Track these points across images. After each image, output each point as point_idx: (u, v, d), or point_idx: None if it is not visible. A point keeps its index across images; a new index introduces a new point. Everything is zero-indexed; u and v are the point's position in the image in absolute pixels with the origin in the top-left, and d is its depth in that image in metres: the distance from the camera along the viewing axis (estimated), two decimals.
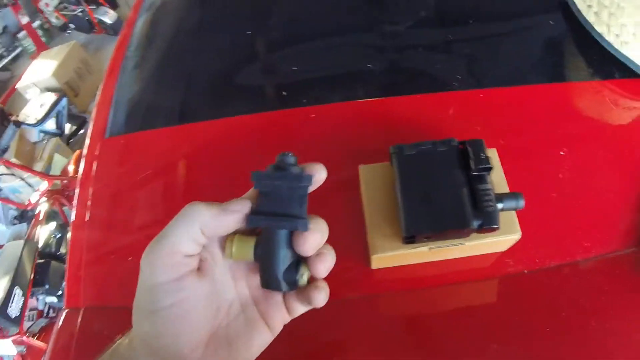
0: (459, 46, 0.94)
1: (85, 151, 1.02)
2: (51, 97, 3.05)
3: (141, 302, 0.39)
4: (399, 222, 0.60)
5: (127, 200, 0.91)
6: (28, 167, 2.52)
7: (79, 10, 4.43)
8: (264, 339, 0.45)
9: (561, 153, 0.77)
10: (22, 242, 2.05)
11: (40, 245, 2.19)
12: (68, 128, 3.52)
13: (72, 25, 4.59)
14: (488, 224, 0.57)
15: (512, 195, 0.59)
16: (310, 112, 0.89)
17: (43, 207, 2.40)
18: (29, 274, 1.98)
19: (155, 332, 0.39)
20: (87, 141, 1.03)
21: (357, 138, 0.84)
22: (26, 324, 2.07)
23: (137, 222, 0.87)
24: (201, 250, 0.41)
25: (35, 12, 4.74)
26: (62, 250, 2.27)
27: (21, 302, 1.88)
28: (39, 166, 3.04)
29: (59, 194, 2.52)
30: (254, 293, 0.45)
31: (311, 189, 0.41)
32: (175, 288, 0.38)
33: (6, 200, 2.71)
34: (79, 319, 0.77)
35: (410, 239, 0.59)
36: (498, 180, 0.66)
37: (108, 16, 4.30)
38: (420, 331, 0.68)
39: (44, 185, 2.49)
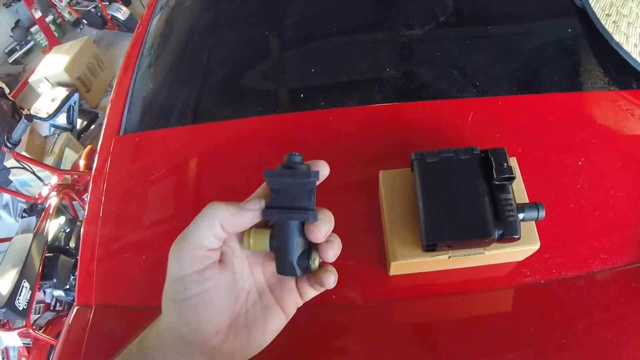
0: (478, 53, 0.94)
1: (99, 147, 1.02)
2: (63, 92, 3.07)
3: (170, 293, 0.44)
4: (420, 230, 0.60)
5: (141, 198, 0.91)
6: (39, 161, 2.53)
7: (92, 6, 4.45)
8: (279, 322, 0.50)
9: (579, 163, 0.77)
10: (31, 235, 2.06)
11: (49, 239, 2.20)
12: (79, 123, 3.54)
13: (84, 21, 4.62)
14: (509, 234, 0.56)
15: (533, 205, 0.58)
16: (328, 115, 0.89)
17: (53, 201, 2.41)
18: (38, 267, 1.99)
19: (182, 320, 0.44)
20: (101, 137, 1.04)
21: (375, 142, 0.84)
22: (33, 317, 2.08)
23: (150, 221, 0.87)
24: (222, 244, 0.45)
25: (48, 6, 4.78)
26: (71, 244, 2.27)
27: (29, 295, 1.90)
28: (49, 160, 3.06)
29: (69, 189, 2.53)
30: (269, 281, 0.50)
31: (318, 182, 0.46)
32: (200, 279, 0.43)
33: (16, 193, 2.73)
34: (90, 317, 0.78)
35: (431, 247, 0.59)
36: (518, 190, 0.66)
37: (121, 12, 4.31)
38: (436, 339, 0.68)
39: (54, 179, 2.49)
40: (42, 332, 2.05)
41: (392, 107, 0.88)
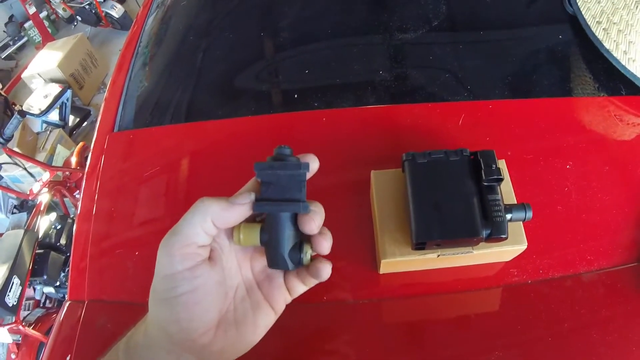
0: (470, 57, 0.95)
1: (93, 144, 1.02)
2: (56, 89, 3.05)
3: (159, 290, 0.43)
4: (409, 229, 0.61)
5: (134, 194, 0.91)
6: (31, 157, 2.52)
7: (86, 3, 4.43)
8: (268, 319, 0.50)
9: (567, 167, 0.78)
10: (21, 231, 2.06)
11: (40, 235, 2.19)
12: (71, 120, 3.53)
13: (78, 18, 4.60)
14: (497, 233, 0.58)
15: (521, 206, 0.60)
16: (321, 116, 0.90)
17: (44, 198, 2.40)
18: (28, 264, 1.99)
19: (172, 318, 0.43)
20: (95, 134, 1.04)
21: (368, 143, 0.85)
22: (22, 314, 2.07)
23: (143, 218, 0.88)
24: (212, 240, 0.45)
25: (42, 2, 4.75)
26: (62, 241, 2.27)
27: (19, 291, 1.89)
28: (41, 157, 3.05)
29: (61, 185, 2.53)
30: (257, 277, 0.50)
31: (308, 176, 0.46)
32: (190, 276, 0.42)
33: (7, 189, 2.71)
34: (82, 312, 0.78)
35: (420, 246, 0.60)
36: (506, 191, 0.67)
37: (115, 10, 4.30)
38: (424, 337, 0.68)
39: (46, 175, 2.48)
40: (32, 329, 2.04)
41: (384, 108, 0.89)
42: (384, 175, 0.71)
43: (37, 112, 2.89)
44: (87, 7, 4.43)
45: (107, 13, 4.37)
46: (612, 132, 0.83)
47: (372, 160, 0.77)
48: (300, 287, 0.49)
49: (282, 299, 0.50)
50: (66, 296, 0.83)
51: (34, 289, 2.32)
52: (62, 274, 2.18)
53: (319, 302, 0.71)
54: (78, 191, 2.55)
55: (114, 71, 1.20)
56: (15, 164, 2.55)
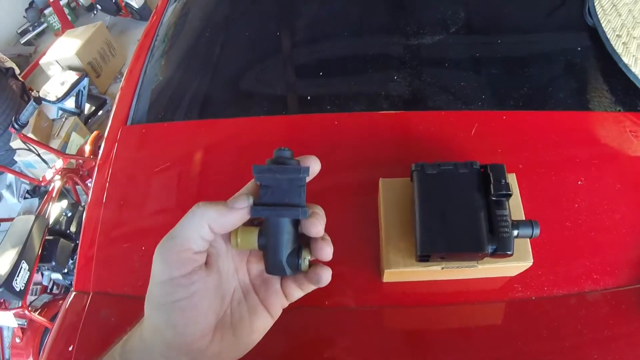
0: (486, 66, 0.95)
1: (105, 135, 1.03)
2: (73, 76, 3.07)
3: (155, 296, 0.43)
4: (415, 240, 0.61)
5: (144, 189, 0.92)
6: (45, 144, 2.53)
7: None
8: (265, 323, 0.49)
9: (579, 182, 0.77)
10: (32, 217, 2.07)
11: (50, 222, 2.21)
12: (87, 108, 3.55)
13: (98, 6, 4.62)
14: (502, 249, 0.57)
15: (528, 223, 0.59)
16: (333, 119, 0.90)
17: (56, 185, 2.42)
18: (37, 250, 2.00)
19: (168, 323, 0.42)
20: (109, 126, 1.05)
21: (378, 149, 0.85)
22: (29, 299, 2.09)
23: (152, 213, 0.89)
24: (208, 246, 0.44)
25: None
26: (72, 229, 2.28)
27: (27, 276, 1.91)
28: (55, 143, 3.07)
29: (74, 173, 2.54)
30: (254, 281, 0.50)
31: (308, 179, 0.44)
32: (187, 282, 0.42)
33: (20, 174, 2.74)
34: (87, 304, 0.79)
35: (424, 258, 0.60)
36: (515, 205, 0.66)
37: (135, 0, 4.32)
38: (424, 347, 0.69)
39: (59, 163, 2.50)
40: (38, 314, 2.06)
41: (397, 114, 0.89)
42: (392, 183, 0.71)
43: (53, 98, 2.92)
44: None
45: (127, 3, 4.38)
46: (627, 148, 0.82)
47: (382, 166, 0.77)
48: (297, 293, 0.49)
49: (279, 303, 0.49)
50: (72, 285, 0.84)
51: (42, 275, 2.34)
52: (71, 261, 2.19)
53: (322, 306, 0.71)
54: (90, 179, 2.56)
55: (130, 62, 1.21)
56: (29, 149, 2.56)
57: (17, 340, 2.09)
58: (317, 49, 1.06)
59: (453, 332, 0.69)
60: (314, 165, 0.45)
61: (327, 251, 0.45)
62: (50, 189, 2.43)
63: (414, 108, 0.90)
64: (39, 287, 2.39)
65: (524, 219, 0.62)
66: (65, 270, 2.17)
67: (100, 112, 3.70)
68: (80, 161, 2.64)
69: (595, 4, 0.94)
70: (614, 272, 0.71)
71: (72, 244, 2.22)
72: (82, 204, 2.51)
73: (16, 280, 1.87)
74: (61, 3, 4.66)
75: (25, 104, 2.47)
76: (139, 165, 0.95)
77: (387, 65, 0.98)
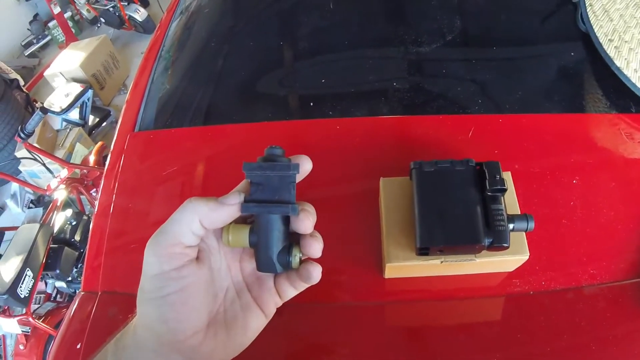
0: (482, 71, 0.97)
1: (113, 142, 1.05)
2: (77, 88, 3.10)
3: (146, 290, 0.43)
4: (414, 235, 0.63)
5: (151, 191, 0.95)
6: (50, 154, 2.56)
7: (111, 5, 4.50)
8: (259, 321, 0.49)
9: (574, 181, 0.79)
10: (37, 225, 2.09)
11: (55, 230, 2.23)
12: (91, 119, 3.57)
13: (102, 20, 4.66)
14: (498, 242, 0.59)
15: (523, 217, 0.61)
16: (336, 124, 0.92)
17: (61, 194, 2.44)
18: (42, 258, 2.01)
19: (160, 318, 0.42)
20: (116, 133, 1.08)
21: (379, 152, 0.87)
22: (33, 307, 2.10)
23: (159, 215, 0.90)
24: (199, 241, 0.44)
25: (67, 3, 4.84)
26: (76, 237, 2.29)
27: (31, 283, 1.91)
28: (59, 154, 3.10)
29: (78, 183, 2.56)
30: (247, 280, 0.49)
31: (298, 178, 0.45)
32: (177, 276, 0.42)
33: (25, 183, 2.75)
34: (95, 303, 0.81)
35: (423, 251, 0.62)
36: (511, 202, 0.69)
37: (139, 14, 4.36)
38: (425, 341, 0.70)
39: (64, 172, 2.52)
40: (42, 322, 2.07)
41: (397, 119, 0.92)
42: (393, 182, 0.73)
43: (58, 109, 2.94)
44: (111, 9, 4.50)
45: (130, 16, 4.43)
46: (620, 149, 0.84)
47: (383, 168, 0.79)
48: (290, 291, 0.48)
49: (273, 302, 0.49)
50: (77, 291, 0.85)
51: (46, 283, 2.35)
52: (75, 270, 2.20)
53: (325, 302, 0.73)
54: (95, 189, 2.58)
55: (136, 73, 1.24)
56: (35, 159, 2.58)
57: (21, 347, 2.10)
58: (318, 58, 1.09)
59: (453, 326, 0.71)
60: (305, 164, 0.45)
61: (316, 248, 0.45)
62: (54, 199, 2.45)
63: (413, 113, 0.93)
64: (42, 295, 2.40)
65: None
66: (70, 279, 2.18)
67: (104, 124, 3.72)
68: (85, 171, 2.65)
69: (587, 10, 0.96)
70: (609, 268, 0.72)
71: (77, 253, 2.23)
72: (86, 213, 2.53)
73: (20, 287, 1.87)
74: (65, 16, 4.70)
75: (30, 115, 2.50)
76: (147, 169, 0.98)
77: (386, 72, 1.00)
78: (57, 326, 2.10)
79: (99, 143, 2.80)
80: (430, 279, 0.73)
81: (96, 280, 0.84)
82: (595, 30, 0.93)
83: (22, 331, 2.07)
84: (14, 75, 3.78)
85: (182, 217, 0.42)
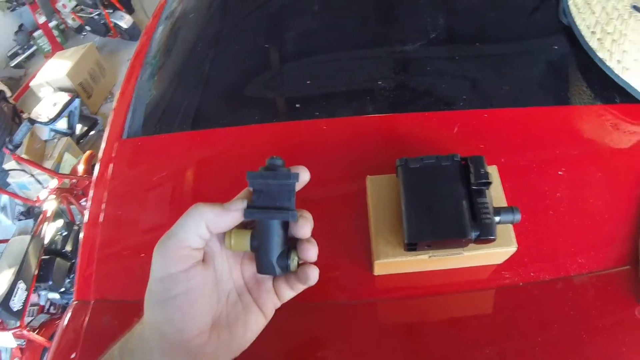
0: (466, 67, 0.98)
1: (102, 150, 1.05)
2: (64, 97, 3.09)
3: (154, 292, 0.45)
4: (402, 230, 0.63)
5: (141, 198, 0.94)
6: (38, 164, 2.55)
7: (96, 13, 4.47)
8: (259, 322, 0.51)
9: (560, 173, 0.80)
10: (28, 237, 2.08)
11: (46, 241, 2.22)
12: (79, 128, 3.56)
13: (87, 28, 4.64)
14: (485, 235, 0.60)
15: (509, 209, 0.62)
16: (322, 125, 0.92)
17: (51, 205, 2.43)
18: (34, 269, 2.01)
19: (167, 318, 0.44)
20: (104, 141, 1.07)
21: (366, 151, 0.88)
22: (26, 319, 2.09)
23: (150, 222, 0.91)
24: (205, 244, 0.47)
25: (52, 12, 4.79)
26: (68, 247, 2.29)
27: (24, 296, 1.91)
28: (48, 164, 3.08)
29: (68, 193, 2.55)
30: (247, 282, 0.52)
31: (298, 187, 0.47)
32: (184, 278, 0.44)
33: (15, 195, 2.74)
34: (89, 311, 0.80)
35: (411, 246, 0.62)
36: (497, 196, 0.69)
37: (124, 21, 4.34)
38: (417, 337, 0.71)
39: (53, 183, 2.51)
40: (36, 334, 2.06)
41: (383, 117, 0.92)
42: (379, 180, 0.73)
43: (45, 120, 2.93)
44: (96, 17, 4.47)
45: (115, 24, 4.41)
46: (605, 139, 0.85)
47: (371, 166, 0.79)
48: (288, 292, 0.51)
49: (271, 303, 0.51)
50: (70, 302, 0.85)
51: (39, 295, 2.33)
52: (67, 280, 2.19)
53: (316, 301, 0.73)
54: (84, 199, 2.57)
55: (123, 80, 1.24)
56: (23, 170, 2.58)
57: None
58: (303, 60, 1.09)
59: (445, 321, 0.71)
60: (304, 174, 0.48)
61: (312, 252, 0.48)
62: (44, 210, 2.43)
63: (399, 110, 0.93)
64: (36, 307, 2.38)
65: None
66: (62, 290, 2.17)
67: (92, 132, 3.71)
68: (74, 180, 2.64)
69: (569, 3, 0.97)
70: (597, 257, 0.73)
71: (69, 263, 2.22)
72: (77, 223, 2.52)
73: (13, 300, 1.87)
74: (50, 25, 4.67)
75: (17, 126, 2.49)
76: (136, 176, 0.97)
77: (371, 71, 1.01)
78: (51, 338, 2.08)
79: (88, 152, 2.79)
80: (420, 274, 0.73)
81: (88, 289, 0.84)
82: (578, 23, 0.94)
83: (17, 344, 2.06)
84: (0, 86, 3.75)
85: (189, 221, 0.44)
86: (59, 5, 4.63)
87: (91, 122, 3.73)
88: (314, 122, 0.94)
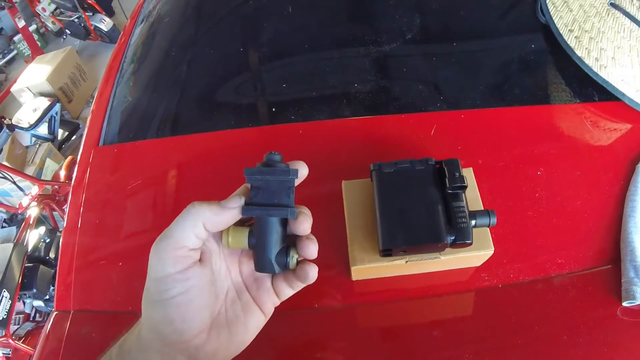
0: (442, 67, 0.98)
1: (79, 158, 1.04)
2: (45, 102, 3.07)
3: (152, 293, 0.44)
4: (377, 236, 0.62)
5: (119, 207, 0.93)
6: (20, 171, 2.52)
7: (76, 16, 4.43)
8: (258, 321, 0.51)
9: (538, 173, 0.80)
10: (10, 245, 2.06)
11: (29, 249, 2.19)
12: (60, 134, 3.53)
13: (67, 31, 4.59)
14: (461, 239, 0.59)
15: (485, 212, 0.61)
16: (298, 129, 0.92)
17: (33, 212, 2.40)
18: (17, 277, 1.99)
19: (165, 319, 0.44)
20: (81, 148, 1.05)
21: (342, 154, 0.87)
22: (12, 328, 2.06)
23: (128, 229, 0.89)
24: (202, 244, 0.46)
25: (32, 16, 4.76)
26: (51, 254, 2.26)
27: (8, 305, 1.89)
28: (30, 170, 3.04)
29: (50, 199, 2.53)
30: (246, 281, 0.51)
31: (297, 182, 0.47)
32: (182, 278, 0.43)
33: None
34: (68, 322, 0.79)
35: (387, 252, 0.62)
36: (473, 198, 0.69)
37: (104, 24, 4.31)
38: (397, 341, 0.70)
39: (35, 189, 2.48)
40: (22, 343, 2.04)
41: (360, 120, 0.92)
42: (354, 185, 0.73)
43: (26, 125, 2.90)
44: (76, 20, 4.43)
45: (96, 27, 4.37)
46: (584, 137, 0.85)
47: (348, 170, 0.79)
48: (287, 291, 0.51)
49: (271, 301, 0.51)
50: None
51: (24, 303, 2.31)
52: (52, 288, 2.17)
53: (296, 309, 0.72)
54: (67, 205, 2.54)
55: (100, 85, 1.22)
56: (4, 177, 2.54)
57: None
58: (279, 63, 1.08)
59: (425, 324, 0.71)
60: (302, 169, 0.48)
61: (312, 249, 0.47)
62: (27, 216, 2.41)
63: (375, 113, 0.93)
64: (21, 316, 2.36)
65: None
66: (47, 297, 2.15)
67: (73, 137, 3.67)
68: (56, 187, 2.62)
69: (547, 2, 0.97)
70: (577, 257, 0.73)
71: (52, 270, 2.20)
72: (60, 229, 2.49)
73: None
74: (30, 29, 4.62)
75: None
76: (113, 184, 0.96)
77: (347, 73, 1.00)
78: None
79: (69, 157, 2.76)
80: (399, 278, 0.73)
81: (68, 299, 0.82)
82: (555, 21, 0.94)
83: (3, 353, 2.04)
84: None
85: (186, 221, 0.44)
86: (38, 9, 4.59)
87: (72, 127, 3.70)
88: (290, 126, 0.93)
